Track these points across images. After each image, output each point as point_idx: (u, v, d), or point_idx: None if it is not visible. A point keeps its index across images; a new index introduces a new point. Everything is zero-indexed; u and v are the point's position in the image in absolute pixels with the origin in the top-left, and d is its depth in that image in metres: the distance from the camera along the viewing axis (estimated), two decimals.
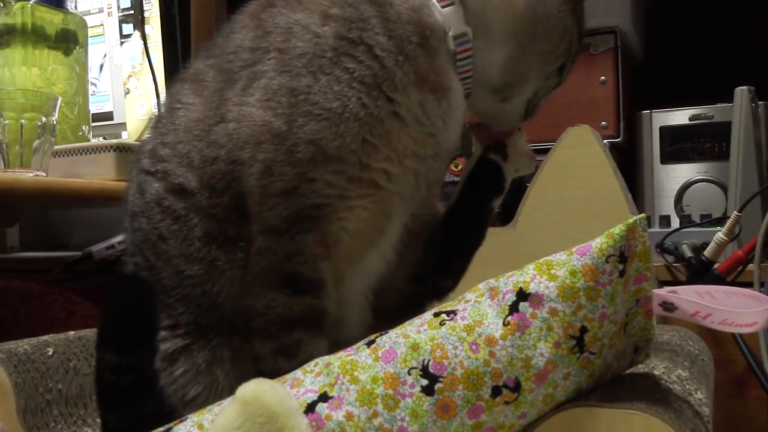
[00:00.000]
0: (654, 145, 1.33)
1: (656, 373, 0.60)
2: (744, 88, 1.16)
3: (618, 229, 0.50)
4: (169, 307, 0.60)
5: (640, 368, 0.60)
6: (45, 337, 0.77)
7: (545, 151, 0.92)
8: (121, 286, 0.64)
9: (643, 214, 0.51)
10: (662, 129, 1.33)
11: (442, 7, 0.59)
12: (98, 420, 0.75)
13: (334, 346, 0.55)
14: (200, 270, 0.57)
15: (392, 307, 0.65)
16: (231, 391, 0.49)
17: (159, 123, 0.64)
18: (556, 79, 0.65)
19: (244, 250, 0.57)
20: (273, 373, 0.51)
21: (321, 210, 0.55)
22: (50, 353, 0.74)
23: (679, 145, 1.31)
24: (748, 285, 1.03)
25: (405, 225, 0.64)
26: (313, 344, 0.57)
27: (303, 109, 0.53)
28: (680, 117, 1.32)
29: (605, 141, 0.89)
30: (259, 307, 0.56)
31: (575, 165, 0.88)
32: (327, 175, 0.54)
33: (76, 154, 1.18)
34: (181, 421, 0.52)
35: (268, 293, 0.56)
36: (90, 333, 0.81)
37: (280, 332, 0.56)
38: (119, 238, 1.56)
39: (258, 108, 0.55)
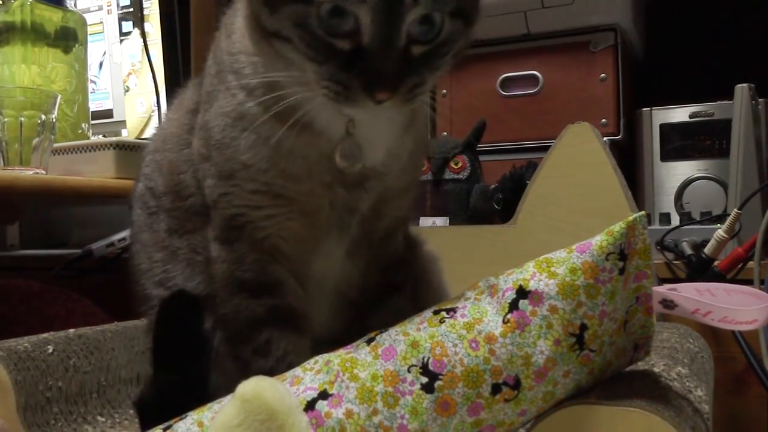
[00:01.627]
0: (654, 142, 1.33)
1: (656, 370, 0.60)
2: (744, 85, 1.16)
3: (618, 226, 0.50)
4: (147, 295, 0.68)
5: (640, 366, 0.60)
6: (45, 335, 0.77)
7: (545, 149, 0.91)
8: (167, 305, 0.65)
9: (643, 212, 0.51)
10: (662, 126, 1.33)
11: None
12: (98, 418, 0.75)
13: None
14: (164, 256, 0.66)
15: (373, 299, 0.67)
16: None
17: (156, 129, 0.75)
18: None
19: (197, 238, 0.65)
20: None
21: (239, 219, 0.59)
22: (50, 351, 0.74)
23: (680, 143, 1.31)
24: (748, 282, 1.03)
25: (361, 239, 0.64)
26: (285, 340, 0.59)
27: (211, 143, 0.60)
28: (680, 114, 1.31)
29: (605, 138, 0.89)
30: (228, 312, 0.61)
31: (575, 163, 0.87)
32: (230, 188, 0.59)
33: (76, 152, 1.18)
34: (181, 419, 0.52)
35: (232, 299, 0.61)
36: (90, 331, 0.81)
37: (251, 333, 0.59)
38: (119, 235, 1.56)
39: (196, 138, 0.63)
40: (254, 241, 0.60)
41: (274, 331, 0.59)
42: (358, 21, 0.47)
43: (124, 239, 1.53)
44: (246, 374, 0.56)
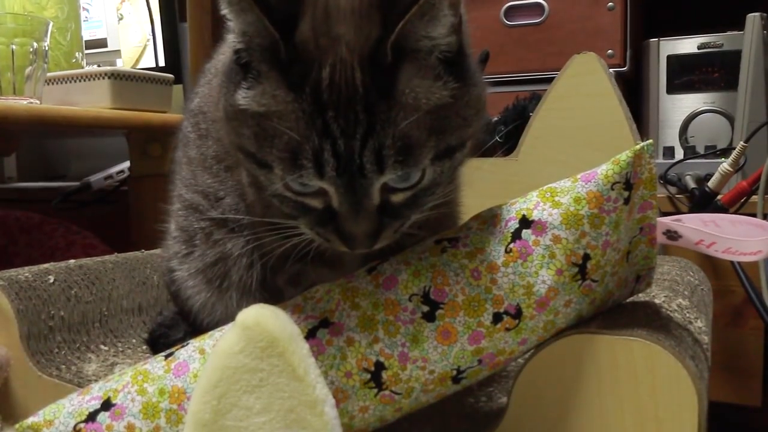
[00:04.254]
0: (661, 74, 1.30)
1: (657, 301, 0.60)
2: (756, 14, 1.12)
3: (625, 155, 0.49)
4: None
5: (641, 297, 0.60)
6: (46, 265, 0.77)
7: (549, 80, 0.89)
8: None
9: (650, 140, 0.50)
10: (670, 58, 1.29)
11: None
12: (101, 347, 0.76)
13: None
14: (211, 178, 0.65)
15: None
16: None
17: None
18: None
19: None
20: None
21: None
22: (51, 281, 0.74)
23: (687, 75, 1.28)
24: (751, 216, 1.03)
25: None
26: (315, 272, 0.60)
27: None
28: (689, 45, 1.28)
29: (611, 70, 0.87)
30: (266, 246, 0.62)
31: (580, 94, 0.85)
32: None
33: (70, 82, 1.16)
34: (183, 347, 0.53)
35: (267, 235, 0.61)
36: (90, 261, 0.81)
37: (284, 265, 0.61)
38: (117, 168, 1.55)
39: None
40: None
41: (305, 265, 0.60)
42: (323, 188, 0.45)
43: (122, 171, 1.52)
44: (277, 301, 0.60)
